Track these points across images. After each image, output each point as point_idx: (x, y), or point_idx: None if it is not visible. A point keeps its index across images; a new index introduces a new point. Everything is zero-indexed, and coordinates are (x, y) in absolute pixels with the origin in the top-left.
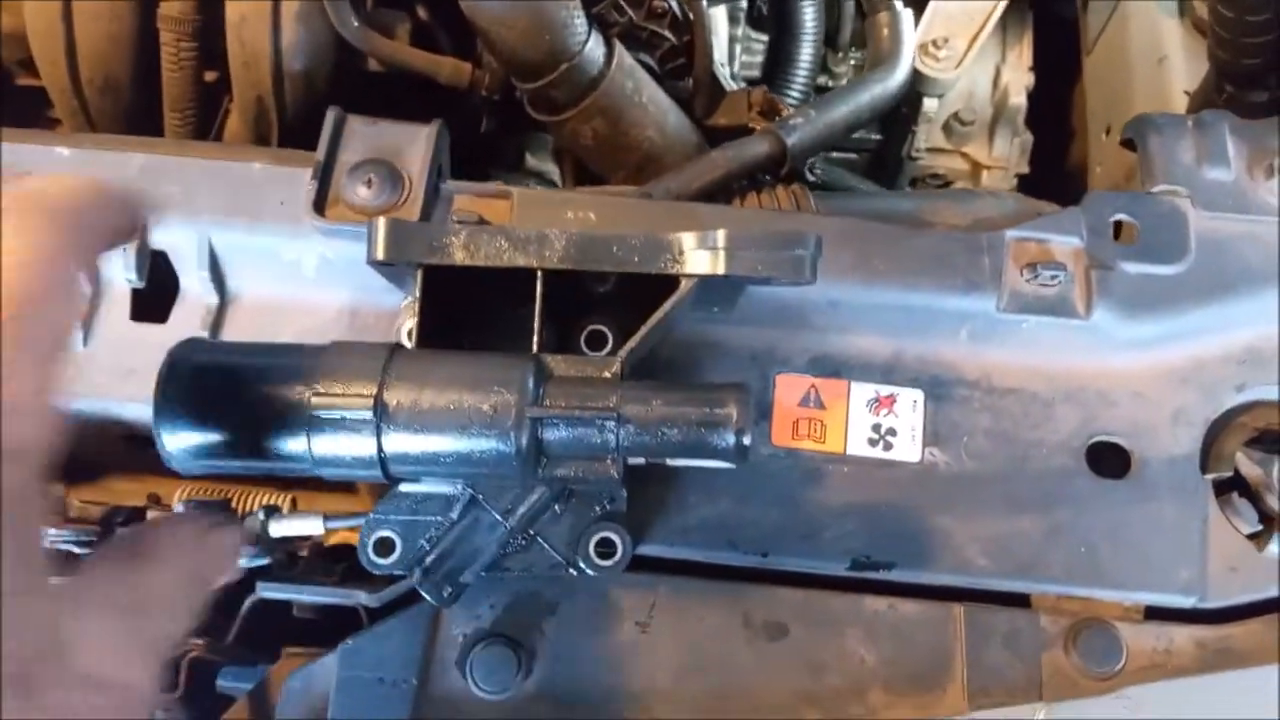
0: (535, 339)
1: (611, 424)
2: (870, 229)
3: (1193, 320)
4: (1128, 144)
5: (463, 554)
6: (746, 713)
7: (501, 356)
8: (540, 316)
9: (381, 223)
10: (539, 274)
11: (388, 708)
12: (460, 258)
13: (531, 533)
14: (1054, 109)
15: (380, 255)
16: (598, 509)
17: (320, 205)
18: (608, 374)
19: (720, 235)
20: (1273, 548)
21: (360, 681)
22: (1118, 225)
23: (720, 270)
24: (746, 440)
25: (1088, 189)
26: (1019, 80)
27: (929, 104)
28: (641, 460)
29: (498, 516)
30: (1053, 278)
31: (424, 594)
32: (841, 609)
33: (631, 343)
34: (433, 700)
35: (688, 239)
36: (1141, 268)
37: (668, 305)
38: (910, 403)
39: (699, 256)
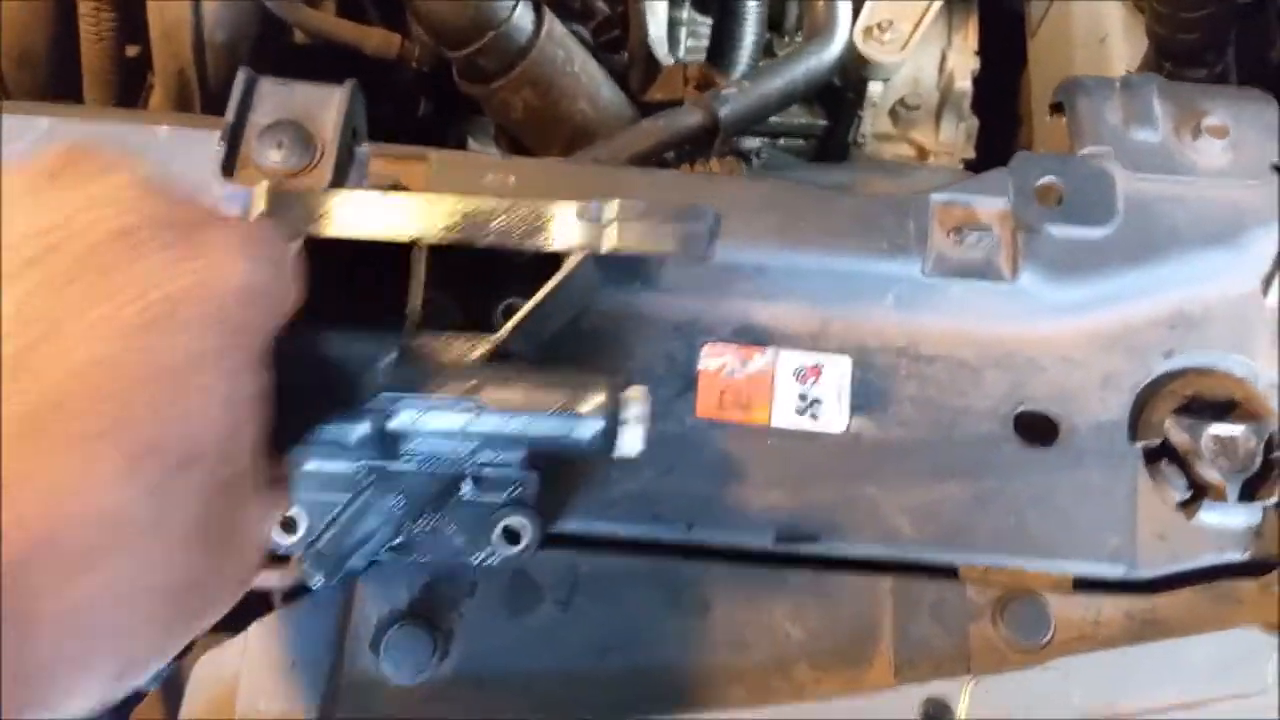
0: (409, 317)
1: (468, 409)
2: (796, 192)
3: (1121, 283)
4: (1057, 108)
5: (356, 535)
6: (670, 691)
7: (367, 337)
8: (421, 292)
9: (260, 189)
10: (417, 247)
11: (299, 691)
12: (336, 229)
13: (438, 516)
14: (1002, 95)
15: None
16: (506, 494)
17: (229, 168)
18: (474, 356)
19: (612, 206)
20: (1202, 516)
21: (270, 664)
22: (1046, 186)
23: (606, 247)
24: (617, 431)
25: None
26: (964, 65)
27: (874, 88)
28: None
29: (393, 500)
30: (978, 240)
31: (303, 572)
32: (767, 582)
33: (509, 325)
34: (346, 683)
35: (567, 211)
36: (1068, 230)
37: (550, 285)
38: (837, 371)
39: (582, 230)
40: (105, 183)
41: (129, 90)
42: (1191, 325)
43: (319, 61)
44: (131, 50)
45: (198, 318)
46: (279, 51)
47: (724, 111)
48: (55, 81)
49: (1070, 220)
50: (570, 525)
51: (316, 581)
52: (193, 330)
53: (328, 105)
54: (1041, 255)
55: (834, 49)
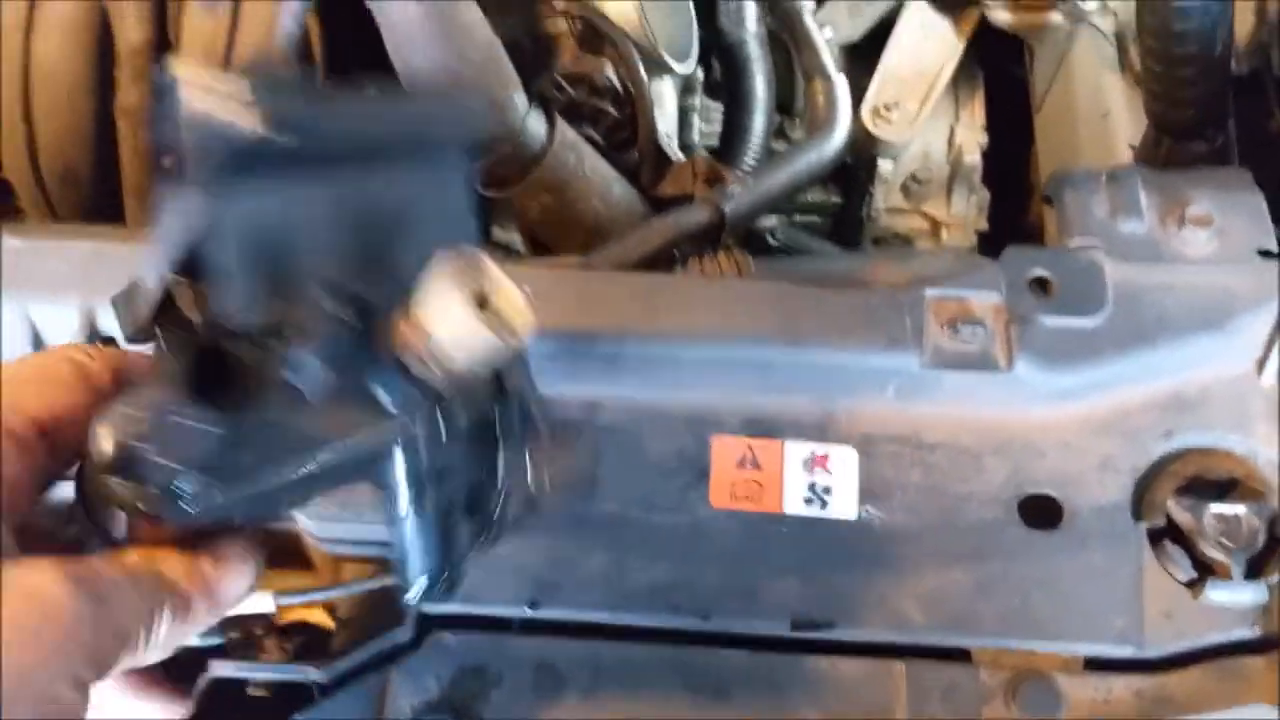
0: None
1: None
2: (795, 293)
3: (1115, 370)
4: (1047, 200)
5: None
6: None
7: None
8: None
9: None
10: None
11: None
12: None
13: None
14: (1013, 166)
15: None
16: None
17: None
18: None
19: None
20: (1208, 594)
21: None
22: (1036, 279)
23: None
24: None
25: (1045, 242)
26: (973, 139)
27: (884, 165)
28: None
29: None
30: (972, 333)
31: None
32: (783, 669)
33: None
34: None
35: None
36: (1060, 320)
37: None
38: (843, 461)
39: None
40: None
41: None
42: (1188, 407)
43: None
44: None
45: None
46: None
47: (729, 208)
48: (97, 197)
49: (1062, 311)
50: (592, 615)
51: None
52: None
53: None
54: (1035, 345)
55: (835, 141)
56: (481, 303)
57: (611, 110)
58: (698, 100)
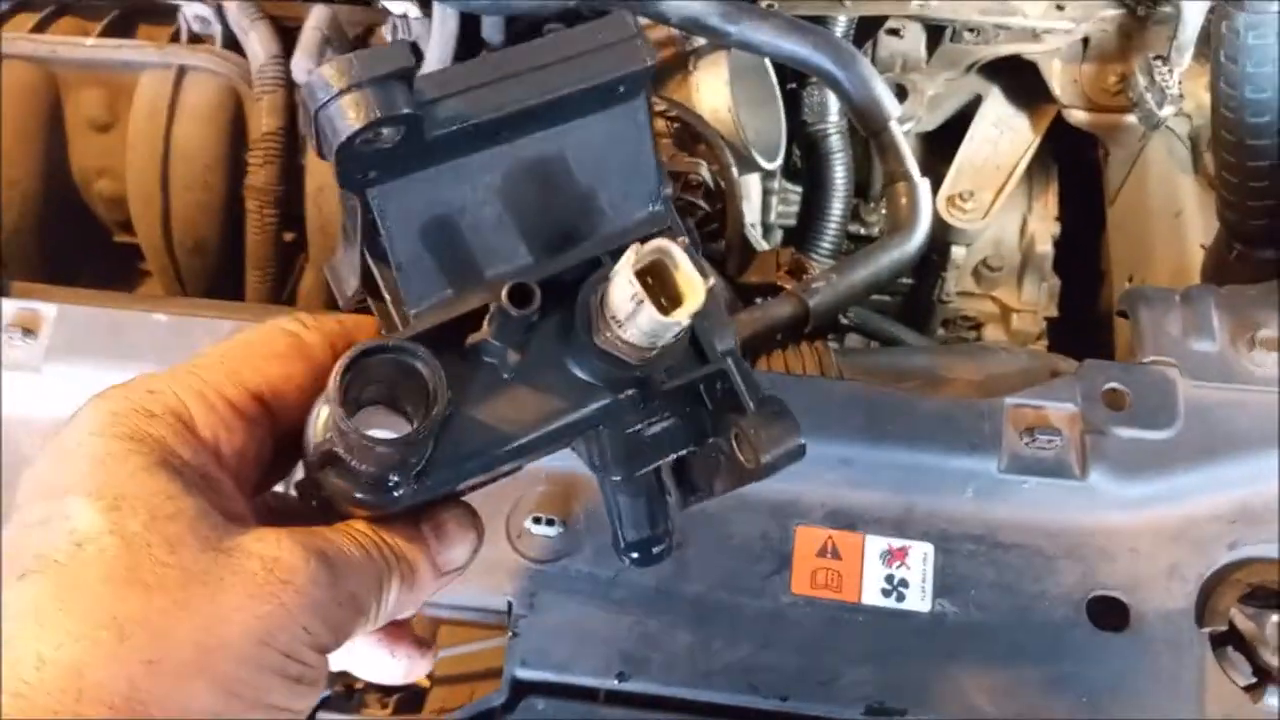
0: None
1: None
2: (881, 395)
3: (1184, 482)
4: (1122, 314)
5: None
6: None
7: None
8: None
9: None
10: None
11: None
12: None
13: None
14: (1084, 252)
15: None
16: None
17: None
18: None
19: None
20: (1268, 700)
21: None
22: (1111, 392)
23: None
24: None
25: (1114, 332)
26: (1045, 229)
27: (957, 252)
28: None
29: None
30: (1049, 441)
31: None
32: None
33: None
34: None
35: None
36: (1133, 433)
37: None
38: (921, 556)
39: None
40: None
41: (284, 271)
42: (1254, 519)
43: None
44: (287, 235)
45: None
46: None
47: (814, 302)
48: (221, 267)
49: (1135, 424)
50: (675, 691)
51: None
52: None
53: None
54: (1109, 455)
55: (917, 240)
56: (663, 290)
57: (703, 205)
58: (777, 184)
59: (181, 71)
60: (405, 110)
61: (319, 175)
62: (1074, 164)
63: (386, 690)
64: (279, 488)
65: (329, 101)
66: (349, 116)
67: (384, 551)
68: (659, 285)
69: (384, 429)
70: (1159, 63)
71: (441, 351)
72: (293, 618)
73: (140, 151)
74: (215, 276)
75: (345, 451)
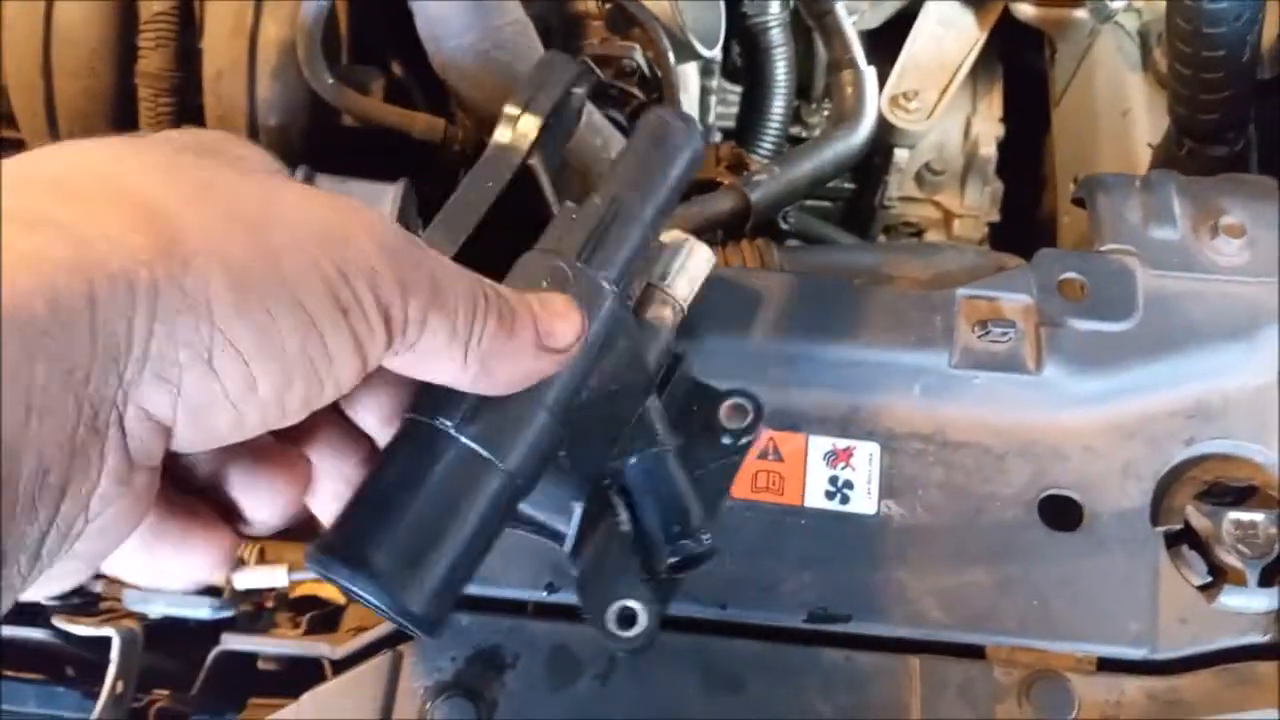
0: None
1: None
2: (826, 287)
3: (1141, 376)
4: (1079, 202)
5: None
6: None
7: None
8: None
9: None
10: None
11: None
12: None
13: None
14: (1026, 156)
15: None
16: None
17: None
18: None
19: None
20: (1222, 600)
21: None
22: (1067, 282)
23: None
24: None
25: (1057, 237)
26: (989, 131)
27: (900, 154)
28: None
29: None
30: (1003, 334)
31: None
32: (799, 661)
33: None
34: None
35: None
36: (1090, 325)
37: None
38: (866, 456)
39: None
40: None
41: None
42: (1211, 415)
43: (367, 143)
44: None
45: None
46: (329, 134)
47: (755, 196)
48: None
49: (1092, 315)
50: None
51: None
52: None
53: (382, 201)
54: (1064, 349)
55: (861, 133)
56: None
57: (638, 93)
58: (715, 83)
59: None
60: None
61: (217, 59)
62: (1016, 72)
63: (298, 608)
64: None
65: None
66: None
67: (483, 283)
68: None
69: None
70: None
71: None
72: (361, 247)
73: (18, 35)
74: None
75: None
